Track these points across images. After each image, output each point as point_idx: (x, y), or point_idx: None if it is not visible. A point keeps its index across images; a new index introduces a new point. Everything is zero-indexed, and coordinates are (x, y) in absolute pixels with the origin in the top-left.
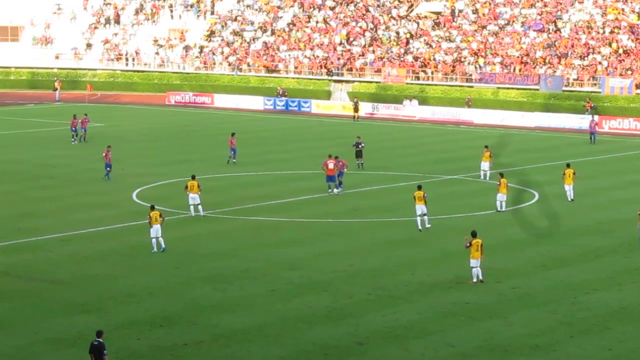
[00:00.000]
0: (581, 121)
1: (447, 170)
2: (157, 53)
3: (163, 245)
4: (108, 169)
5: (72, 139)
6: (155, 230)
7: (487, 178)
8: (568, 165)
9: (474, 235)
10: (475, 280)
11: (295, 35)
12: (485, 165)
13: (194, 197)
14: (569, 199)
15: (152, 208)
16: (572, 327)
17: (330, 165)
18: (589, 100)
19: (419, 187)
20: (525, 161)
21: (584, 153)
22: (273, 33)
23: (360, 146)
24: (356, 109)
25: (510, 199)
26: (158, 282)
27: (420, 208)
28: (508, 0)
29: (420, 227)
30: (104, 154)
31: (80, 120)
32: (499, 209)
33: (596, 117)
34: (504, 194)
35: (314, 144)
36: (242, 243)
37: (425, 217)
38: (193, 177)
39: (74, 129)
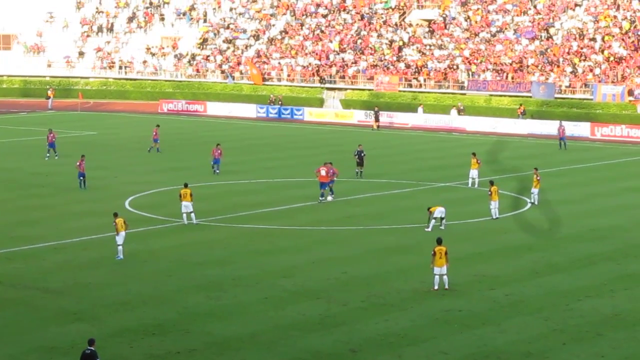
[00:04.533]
0: (574, 128)
1: (439, 178)
2: (144, 62)
3: (119, 255)
4: (81, 178)
5: (54, 155)
6: (122, 237)
7: (476, 185)
8: (537, 170)
9: (439, 242)
10: (437, 287)
11: (287, 43)
12: (473, 172)
13: (186, 205)
14: (536, 203)
15: (116, 215)
16: (564, 334)
17: (322, 172)
18: (520, 105)
19: (428, 209)
20: (518, 168)
21: (576, 160)
22: (271, 42)
23: (362, 155)
24: (377, 119)
25: (503, 206)
26: (151, 290)
27: (439, 211)
28: (500, 7)
29: (429, 229)
30: (77, 164)
31: (153, 132)
32: (494, 217)
33: (564, 123)
34: (495, 201)
35: (307, 152)
36: (236, 251)
37: (443, 221)
38: (186, 186)
39: (50, 144)
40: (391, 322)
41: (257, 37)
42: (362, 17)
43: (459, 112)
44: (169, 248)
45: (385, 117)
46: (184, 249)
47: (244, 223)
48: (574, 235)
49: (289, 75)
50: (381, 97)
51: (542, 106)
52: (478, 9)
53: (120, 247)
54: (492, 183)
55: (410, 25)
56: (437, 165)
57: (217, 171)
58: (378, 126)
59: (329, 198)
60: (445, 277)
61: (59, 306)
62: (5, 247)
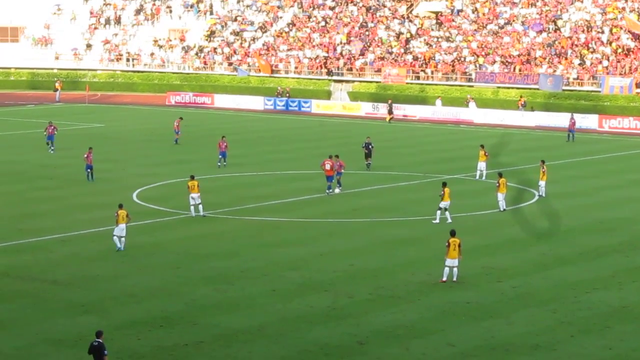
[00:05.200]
0: (582, 120)
1: (447, 170)
2: (152, 54)
3: (122, 246)
4: (89, 170)
5: (50, 148)
6: (121, 229)
7: (484, 177)
8: (543, 162)
9: (452, 234)
10: (445, 279)
11: (295, 35)
12: (481, 164)
13: (194, 197)
14: (544, 195)
15: (120, 207)
16: (572, 326)
17: (327, 166)
18: (521, 97)
19: (445, 184)
20: (525, 160)
21: (584, 152)
22: (279, 35)
23: (370, 147)
24: (390, 111)
25: (511, 198)
26: (159, 283)
27: (445, 203)
28: None
29: (450, 221)
30: (85, 156)
31: (175, 123)
32: (501, 209)
33: (575, 115)
34: (503, 193)
35: (314, 144)
36: (243, 243)
37: (447, 213)
38: (192, 177)
39: (49, 137)
40: (398, 314)
41: (264, 30)
42: (369, 9)
43: (467, 103)
44: (176, 240)
45: (394, 110)
46: (192, 241)
47: (252, 215)
48: (582, 228)
49: (296, 68)
50: (389, 90)
51: (550, 98)
52: (486, 1)
53: (115, 238)
54: (500, 175)
55: (418, 17)
56: (445, 157)
57: (225, 164)
58: (392, 118)
59: (337, 190)
60: (455, 269)
61: (66, 298)
62: (13, 240)
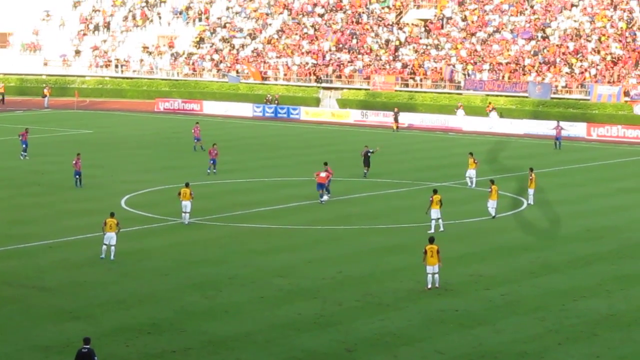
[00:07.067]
0: (570, 128)
1: (436, 178)
2: (141, 60)
3: (112, 256)
4: (77, 176)
5: (22, 154)
6: (109, 237)
7: (473, 185)
8: (532, 170)
9: (430, 241)
10: (430, 286)
11: (284, 42)
12: (471, 172)
13: (185, 205)
14: (532, 203)
15: (112, 215)
16: (560, 334)
17: (322, 174)
18: (489, 103)
19: (435, 192)
20: (514, 168)
21: (572, 160)
22: (268, 42)
23: (369, 154)
24: (396, 119)
25: (499, 206)
26: (147, 289)
27: (436, 212)
28: (497, 7)
29: (432, 230)
30: (73, 162)
31: (193, 130)
32: (492, 216)
33: (561, 123)
34: (494, 200)
35: (302, 151)
36: (231, 250)
37: (440, 221)
38: (187, 185)
39: (24, 142)
40: (387, 321)
41: (253, 36)
42: (359, 17)
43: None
44: (164, 247)
45: (381, 117)
46: (180, 247)
47: (240, 222)
48: (570, 236)
49: (285, 75)
50: (377, 97)
51: (539, 106)
52: (475, 9)
53: (103, 247)
54: (492, 182)
55: (407, 25)
56: (433, 165)
57: (214, 171)
58: (397, 127)
59: (325, 197)
60: (436, 275)
61: (54, 305)
62: (1, 245)
